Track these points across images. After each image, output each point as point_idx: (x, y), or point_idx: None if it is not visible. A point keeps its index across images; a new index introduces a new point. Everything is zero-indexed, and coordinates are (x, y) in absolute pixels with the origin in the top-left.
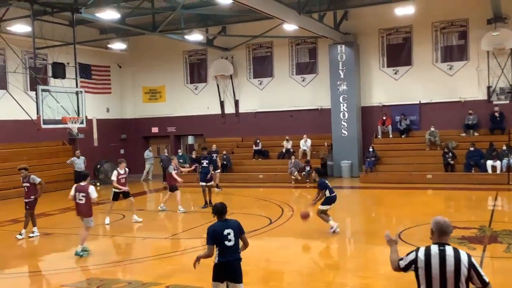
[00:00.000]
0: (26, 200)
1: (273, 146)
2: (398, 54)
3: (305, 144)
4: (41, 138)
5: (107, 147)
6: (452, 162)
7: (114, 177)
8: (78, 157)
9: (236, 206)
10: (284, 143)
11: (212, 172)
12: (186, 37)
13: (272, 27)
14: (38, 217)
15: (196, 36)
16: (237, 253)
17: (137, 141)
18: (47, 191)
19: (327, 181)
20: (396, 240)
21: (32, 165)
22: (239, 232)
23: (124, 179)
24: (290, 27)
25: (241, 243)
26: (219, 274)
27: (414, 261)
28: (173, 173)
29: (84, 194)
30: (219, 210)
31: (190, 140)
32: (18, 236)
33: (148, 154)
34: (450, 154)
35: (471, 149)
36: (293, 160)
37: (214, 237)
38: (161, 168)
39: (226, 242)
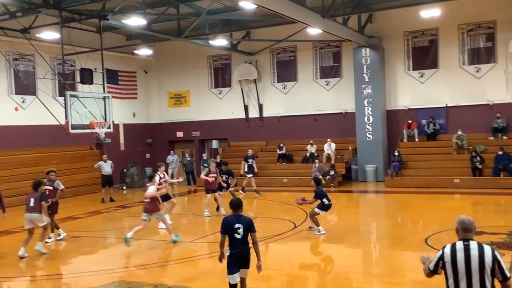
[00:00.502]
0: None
1: (297, 150)
2: (424, 57)
3: (330, 148)
4: (69, 142)
5: (133, 151)
6: (480, 166)
7: (156, 180)
8: (105, 161)
9: (261, 210)
10: (308, 147)
11: (248, 175)
12: (211, 42)
13: (296, 31)
14: (66, 221)
15: (220, 41)
16: (246, 244)
17: (162, 145)
18: (75, 195)
19: (324, 190)
20: (428, 257)
21: (60, 169)
22: (248, 228)
23: (164, 182)
24: (314, 31)
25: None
26: (233, 264)
27: (441, 257)
28: (202, 175)
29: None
30: (236, 205)
31: (215, 144)
32: (48, 240)
33: (169, 158)
34: (478, 158)
35: (500, 153)
36: (317, 164)
37: (226, 227)
38: (184, 172)
39: (236, 235)
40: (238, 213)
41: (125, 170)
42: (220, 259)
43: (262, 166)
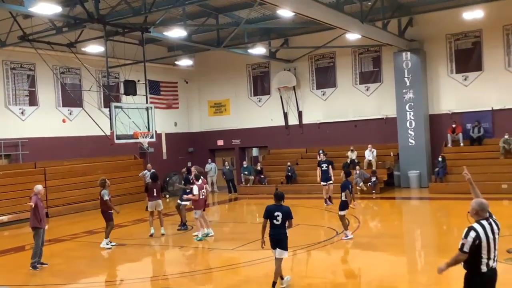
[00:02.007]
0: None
1: (337, 156)
2: (468, 59)
3: (371, 154)
4: (114, 152)
5: (175, 160)
6: None
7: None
8: (149, 170)
9: (302, 218)
10: (349, 153)
11: (322, 183)
12: (250, 51)
13: (335, 37)
14: (112, 229)
15: (259, 50)
16: (283, 229)
17: (203, 153)
18: (121, 203)
19: (349, 185)
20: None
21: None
22: (287, 216)
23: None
24: (353, 36)
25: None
26: (271, 243)
27: (477, 237)
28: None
29: (204, 190)
30: (278, 196)
31: (255, 152)
32: (106, 246)
33: (207, 167)
34: None
35: None
36: (358, 170)
37: (267, 214)
38: (224, 180)
39: (275, 221)
40: (280, 203)
41: (167, 179)
42: (261, 244)
43: (303, 173)
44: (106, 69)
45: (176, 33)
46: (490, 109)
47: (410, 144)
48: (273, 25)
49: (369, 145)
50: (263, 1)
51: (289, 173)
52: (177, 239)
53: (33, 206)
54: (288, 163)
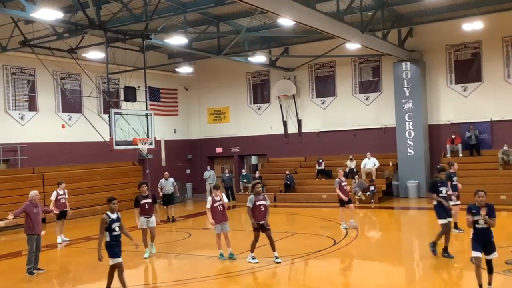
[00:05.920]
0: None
1: (336, 165)
2: (467, 70)
3: (370, 162)
4: (113, 158)
5: (174, 167)
6: None
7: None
8: (166, 179)
9: (300, 226)
10: (348, 162)
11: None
12: (250, 59)
13: (335, 47)
14: None
15: (259, 58)
16: None
17: (202, 161)
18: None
19: (438, 183)
20: None
21: (104, 185)
22: None
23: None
24: (353, 46)
25: None
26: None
27: None
28: (337, 189)
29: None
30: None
31: (254, 160)
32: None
33: (206, 174)
34: None
35: None
36: (357, 179)
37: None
38: (223, 188)
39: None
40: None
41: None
42: None
43: (301, 181)
44: (106, 75)
45: (177, 40)
46: (489, 120)
47: (409, 154)
48: (273, 34)
49: (368, 153)
50: (264, 10)
51: (288, 182)
52: (173, 247)
53: (11, 218)
54: (287, 172)
